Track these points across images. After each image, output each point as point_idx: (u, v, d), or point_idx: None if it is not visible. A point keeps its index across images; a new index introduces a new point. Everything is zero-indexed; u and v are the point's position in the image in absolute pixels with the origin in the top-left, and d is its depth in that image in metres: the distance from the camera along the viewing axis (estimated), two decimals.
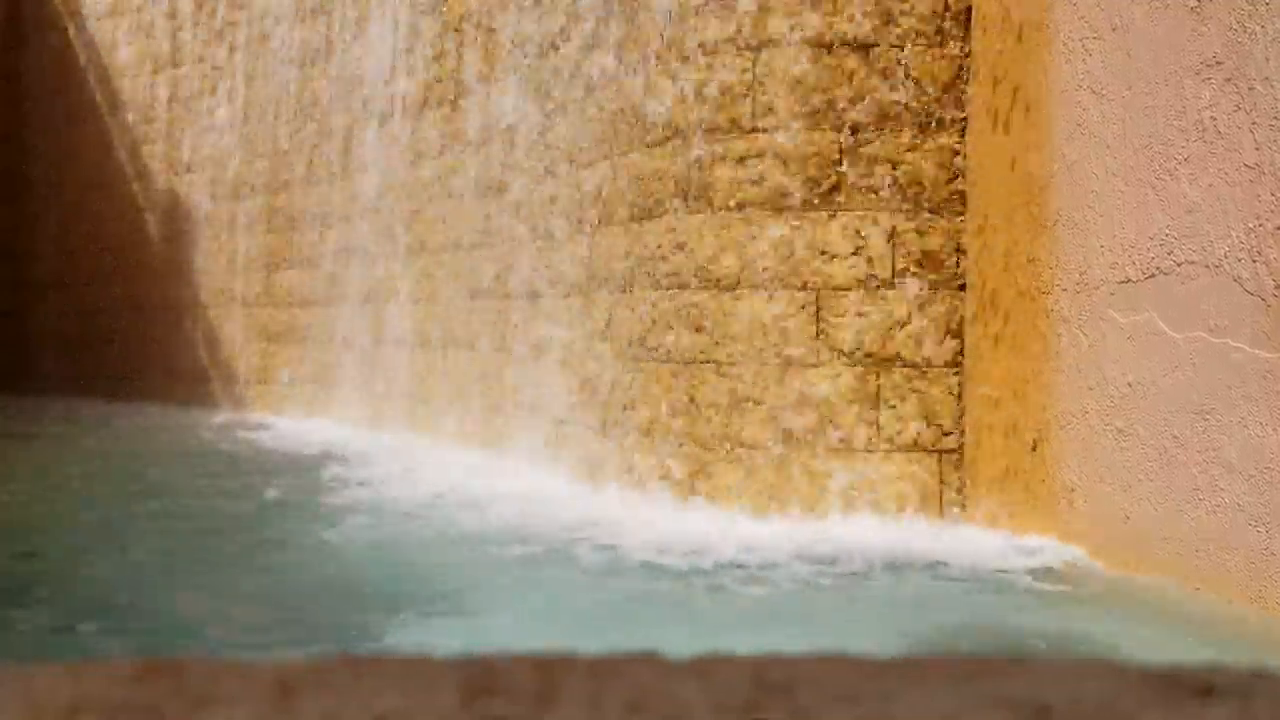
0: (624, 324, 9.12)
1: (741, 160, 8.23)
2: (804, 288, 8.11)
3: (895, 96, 8.09)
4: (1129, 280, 6.53)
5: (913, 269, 8.06)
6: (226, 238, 17.51)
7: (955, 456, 7.98)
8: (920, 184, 8.06)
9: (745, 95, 8.24)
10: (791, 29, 8.16)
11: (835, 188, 8.09)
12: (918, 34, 8.10)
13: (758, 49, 8.22)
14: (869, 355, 8.04)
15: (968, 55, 8.07)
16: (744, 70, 8.25)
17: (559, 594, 6.66)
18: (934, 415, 8.01)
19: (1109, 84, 6.69)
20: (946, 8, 8.11)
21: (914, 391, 8.01)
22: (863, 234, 8.07)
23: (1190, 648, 5.25)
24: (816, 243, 8.10)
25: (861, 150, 8.09)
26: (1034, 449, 7.24)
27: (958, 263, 8.05)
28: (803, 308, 8.10)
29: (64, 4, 21.02)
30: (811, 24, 8.14)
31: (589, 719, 1.21)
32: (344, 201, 14.79)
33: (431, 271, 12.83)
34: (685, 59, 8.51)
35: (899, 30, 8.11)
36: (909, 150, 8.08)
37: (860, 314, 8.05)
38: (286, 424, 15.20)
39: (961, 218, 8.05)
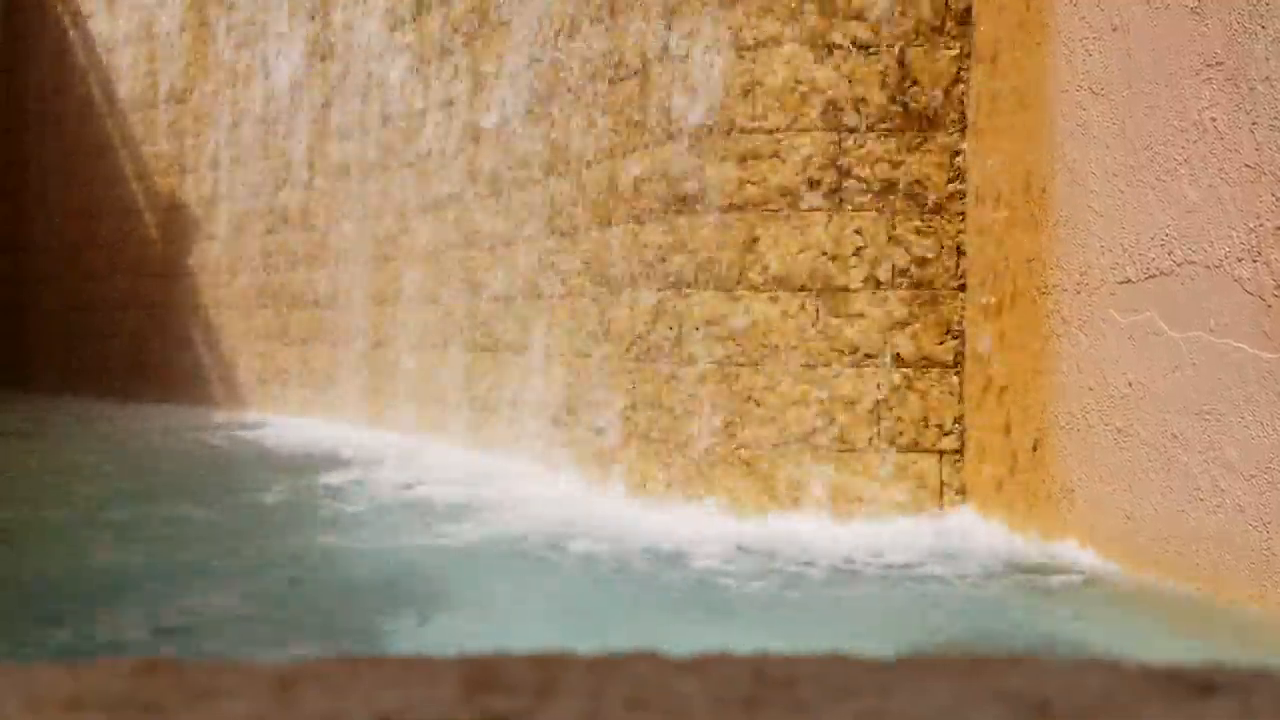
0: (623, 324, 9.11)
1: (742, 160, 8.22)
2: (804, 288, 8.11)
3: (895, 96, 8.09)
4: (1129, 280, 6.53)
5: (913, 269, 8.06)
6: (226, 237, 17.51)
7: (956, 456, 7.97)
8: (920, 184, 8.06)
9: (745, 95, 8.24)
10: (791, 28, 8.16)
11: (835, 188, 8.09)
12: (918, 34, 8.10)
13: (757, 48, 8.22)
14: (869, 355, 8.04)
15: (968, 55, 8.07)
16: (744, 70, 8.25)
17: (556, 595, 6.66)
18: (934, 415, 8.00)
19: (1109, 84, 6.69)
20: (946, 7, 8.10)
21: (914, 391, 8.01)
22: (863, 234, 8.07)
23: (1191, 646, 5.25)
24: (816, 243, 8.10)
25: (862, 150, 8.09)
26: (1034, 449, 7.23)
27: (958, 263, 8.04)
28: (802, 307, 8.10)
29: (64, 4, 21.01)
30: (811, 24, 8.14)
31: (590, 715, 1.21)
32: (344, 201, 14.79)
33: (432, 272, 12.83)
34: (686, 58, 8.50)
35: (899, 30, 8.10)
36: (909, 150, 8.08)
37: (860, 314, 8.05)
38: (286, 423, 15.20)
39: (961, 218, 8.04)
